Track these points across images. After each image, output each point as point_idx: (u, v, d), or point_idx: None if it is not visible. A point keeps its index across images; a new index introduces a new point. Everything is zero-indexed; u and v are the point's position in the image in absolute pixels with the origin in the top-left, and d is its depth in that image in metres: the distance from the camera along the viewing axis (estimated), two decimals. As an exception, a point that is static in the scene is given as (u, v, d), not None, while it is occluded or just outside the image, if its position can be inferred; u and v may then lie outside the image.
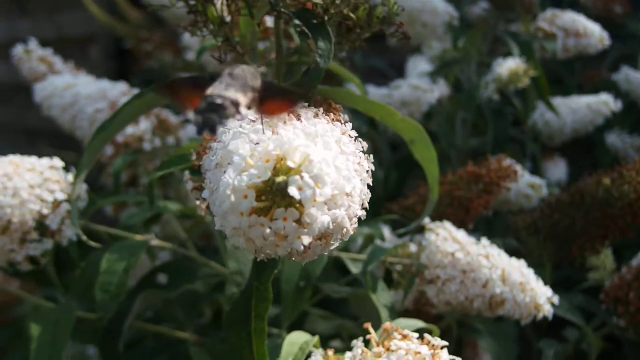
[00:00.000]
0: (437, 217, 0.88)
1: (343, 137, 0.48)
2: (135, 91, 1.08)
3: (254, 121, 0.48)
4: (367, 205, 0.48)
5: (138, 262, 0.79)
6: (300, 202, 0.41)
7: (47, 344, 0.70)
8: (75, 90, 1.17)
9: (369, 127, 1.37)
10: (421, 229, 0.84)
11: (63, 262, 0.84)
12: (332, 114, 0.52)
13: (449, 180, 0.99)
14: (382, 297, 0.78)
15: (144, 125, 1.12)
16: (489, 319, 0.91)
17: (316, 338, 0.65)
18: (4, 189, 0.71)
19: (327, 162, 0.43)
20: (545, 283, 0.80)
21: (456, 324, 0.92)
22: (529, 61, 1.30)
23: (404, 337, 0.56)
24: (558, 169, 1.49)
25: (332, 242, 0.46)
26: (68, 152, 1.25)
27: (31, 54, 1.34)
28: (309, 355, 0.61)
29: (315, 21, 0.61)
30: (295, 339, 0.65)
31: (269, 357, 0.63)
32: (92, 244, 0.79)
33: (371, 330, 0.59)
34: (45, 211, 0.73)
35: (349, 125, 0.50)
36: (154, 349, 0.97)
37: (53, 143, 1.88)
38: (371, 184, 0.49)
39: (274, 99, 0.49)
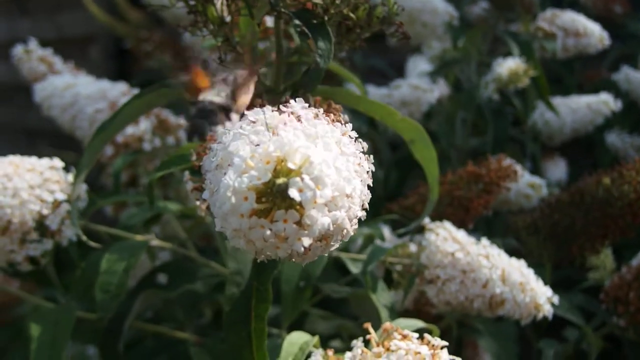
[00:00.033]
0: (437, 217, 0.88)
1: (343, 138, 0.48)
2: (135, 91, 1.08)
3: (254, 122, 0.48)
4: (367, 206, 0.48)
5: (138, 263, 0.79)
6: (300, 204, 0.41)
7: (47, 344, 0.70)
8: (75, 91, 1.17)
9: (369, 127, 1.37)
10: (421, 229, 0.84)
11: (63, 262, 0.84)
12: (332, 114, 0.51)
13: (449, 180, 0.99)
14: (382, 297, 0.78)
15: (144, 125, 1.12)
16: (489, 319, 0.91)
17: (316, 338, 0.65)
18: (4, 189, 0.71)
19: (327, 163, 0.42)
20: (545, 283, 0.80)
21: (456, 324, 0.92)
22: (528, 61, 1.30)
23: (404, 337, 0.56)
24: (558, 168, 1.49)
25: (332, 243, 0.46)
26: (68, 152, 1.26)
27: (31, 54, 1.35)
28: (308, 356, 0.61)
29: (315, 21, 0.61)
30: (295, 339, 0.65)
31: (269, 357, 0.63)
32: (92, 244, 0.79)
33: (371, 330, 0.59)
34: (45, 211, 0.73)
35: (349, 126, 0.50)
36: (154, 349, 0.97)
37: (53, 143, 1.88)
38: (371, 185, 0.49)
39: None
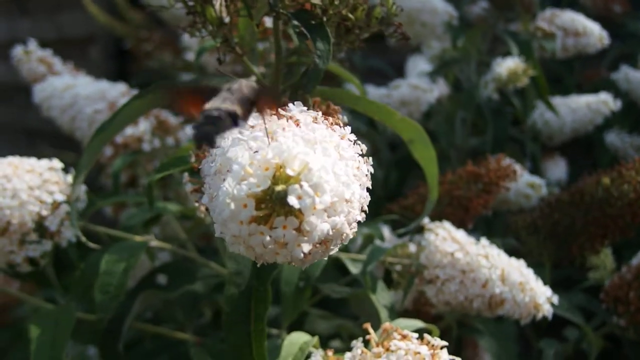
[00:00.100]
0: (436, 217, 0.88)
1: (342, 142, 0.48)
2: (135, 92, 1.08)
3: (252, 127, 0.48)
4: (366, 208, 0.48)
5: (137, 263, 0.79)
6: (300, 210, 0.41)
7: (47, 345, 0.70)
8: (74, 91, 1.17)
9: (368, 127, 1.37)
10: (421, 229, 0.84)
11: (62, 263, 0.84)
12: (331, 117, 0.51)
13: (449, 180, 0.99)
14: (382, 297, 0.78)
15: (143, 126, 1.12)
16: (488, 319, 0.91)
17: (316, 338, 0.65)
18: (3, 190, 0.71)
19: (326, 169, 0.42)
20: (545, 283, 0.80)
21: (456, 324, 0.92)
22: (528, 61, 1.30)
23: (404, 337, 0.56)
24: (558, 168, 1.49)
25: (331, 247, 0.46)
26: (67, 153, 1.26)
27: (31, 55, 1.34)
28: (308, 356, 0.61)
29: (314, 22, 0.61)
30: (295, 339, 0.65)
31: (268, 357, 0.63)
32: (92, 245, 0.79)
33: (371, 330, 0.60)
34: (44, 212, 0.73)
35: (348, 128, 0.50)
36: (153, 349, 0.97)
37: (53, 144, 1.88)
38: (370, 187, 0.49)
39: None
